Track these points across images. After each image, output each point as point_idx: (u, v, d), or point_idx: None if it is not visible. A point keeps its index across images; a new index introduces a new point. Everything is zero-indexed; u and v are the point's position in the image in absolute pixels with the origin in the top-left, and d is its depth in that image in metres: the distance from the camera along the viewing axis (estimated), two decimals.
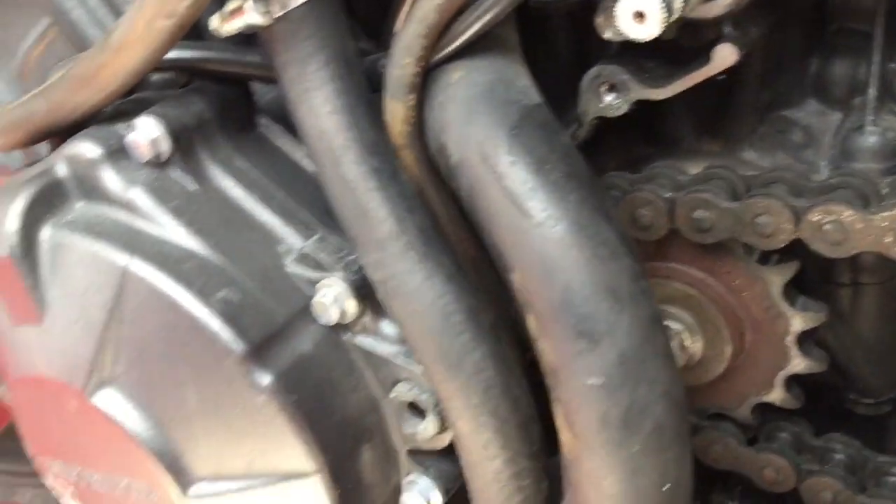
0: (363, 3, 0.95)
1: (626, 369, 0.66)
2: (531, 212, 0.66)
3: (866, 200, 0.74)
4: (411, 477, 0.84)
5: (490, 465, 0.74)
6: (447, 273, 0.71)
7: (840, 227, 0.73)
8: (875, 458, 0.90)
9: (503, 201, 0.67)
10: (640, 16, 0.64)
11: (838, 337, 0.91)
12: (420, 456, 0.83)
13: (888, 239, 0.71)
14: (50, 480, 0.93)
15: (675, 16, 0.65)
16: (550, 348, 0.67)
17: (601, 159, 0.94)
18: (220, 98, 0.83)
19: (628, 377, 0.66)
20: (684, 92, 0.79)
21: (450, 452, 0.85)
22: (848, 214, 0.72)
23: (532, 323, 0.68)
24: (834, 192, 0.75)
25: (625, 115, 0.83)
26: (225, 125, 0.83)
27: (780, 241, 0.76)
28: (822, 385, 0.98)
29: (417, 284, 0.71)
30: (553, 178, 0.66)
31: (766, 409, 0.92)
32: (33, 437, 0.90)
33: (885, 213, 0.71)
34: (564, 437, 0.70)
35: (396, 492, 0.86)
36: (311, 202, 0.82)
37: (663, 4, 0.63)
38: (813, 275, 0.88)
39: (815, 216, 0.74)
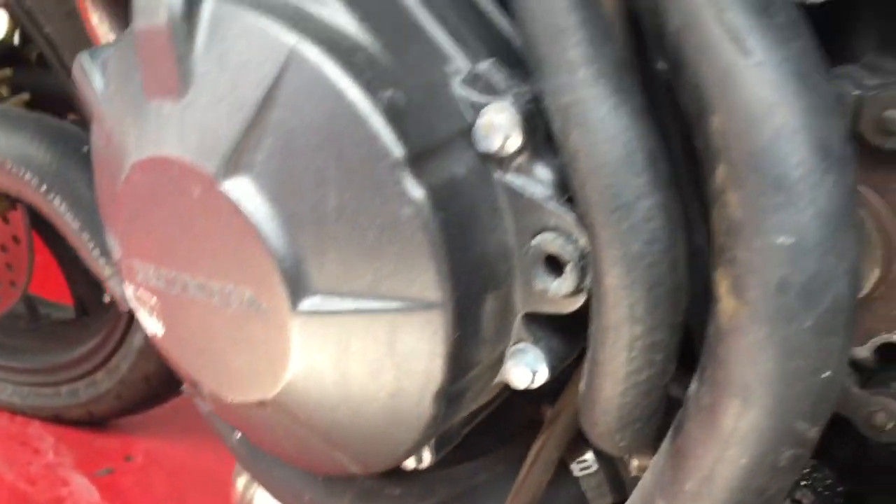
0: None
1: (821, 234, 0.61)
2: (751, 49, 0.62)
3: None
4: (521, 346, 0.80)
5: (630, 330, 0.69)
6: (636, 109, 0.67)
7: None
8: None
9: (720, 36, 0.62)
10: None
11: None
12: (535, 325, 0.79)
13: None
14: (130, 291, 0.88)
15: None
16: (739, 200, 0.63)
17: None
18: None
19: (821, 243, 0.61)
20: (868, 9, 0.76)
21: (564, 330, 0.81)
22: None
23: (721, 174, 0.64)
24: None
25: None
26: None
27: None
28: None
29: (604, 114, 0.66)
30: (777, 22, 0.62)
31: (887, 355, 0.88)
32: (128, 236, 0.85)
33: None
34: (728, 305, 0.65)
35: (498, 363, 0.81)
36: (483, 37, 0.78)
37: None
38: None
39: None
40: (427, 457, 0.95)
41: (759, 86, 0.62)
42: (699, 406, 0.69)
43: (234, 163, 0.72)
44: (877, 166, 0.80)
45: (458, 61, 0.75)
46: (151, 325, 0.87)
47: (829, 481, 1.03)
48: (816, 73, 0.62)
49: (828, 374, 0.64)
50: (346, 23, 0.71)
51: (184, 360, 0.88)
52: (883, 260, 0.82)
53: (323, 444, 0.84)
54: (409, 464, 0.95)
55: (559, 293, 0.74)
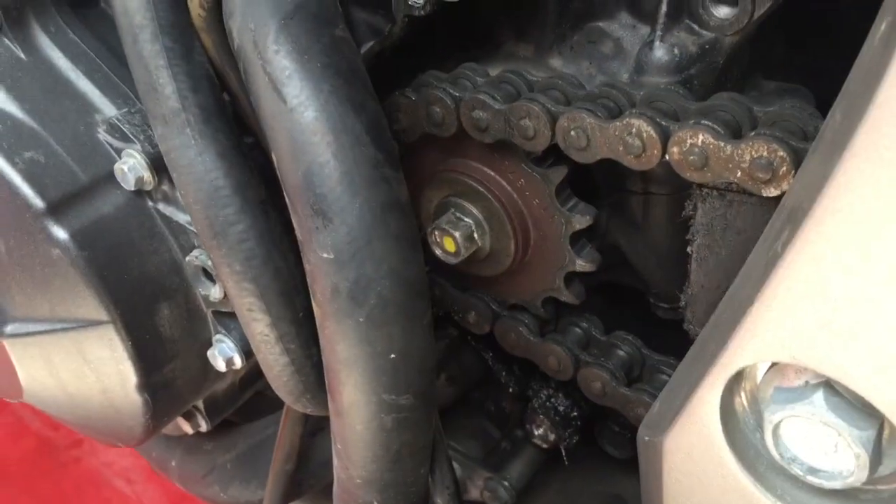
0: None
1: (354, 247, 0.73)
2: (286, 97, 0.72)
3: (615, 110, 0.79)
4: (218, 336, 0.93)
5: (256, 327, 0.82)
6: (220, 150, 0.78)
7: (583, 134, 0.78)
8: (652, 357, 0.97)
9: (266, 86, 0.73)
10: None
11: (631, 243, 0.97)
12: (225, 318, 0.92)
13: (620, 147, 0.76)
14: None
15: None
16: (296, 223, 0.75)
17: (441, 56, 0.99)
18: None
19: (355, 255, 0.73)
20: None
21: None
22: (590, 122, 0.77)
23: (287, 200, 0.76)
24: (589, 102, 0.80)
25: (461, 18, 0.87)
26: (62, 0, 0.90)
27: (541, 143, 0.82)
28: (628, 287, 1.04)
29: (191, 158, 0.78)
30: (310, 68, 0.72)
31: (560, 304, 0.99)
32: None
33: (617, 123, 0.76)
34: (314, 304, 0.78)
35: (207, 346, 0.95)
36: None
37: None
38: (607, 181, 0.93)
39: (564, 122, 0.79)
40: (203, 423, 1.10)
41: (292, 129, 0.72)
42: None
43: None
44: (492, 153, 0.90)
45: (106, 109, 0.86)
46: None
47: (563, 407, 1.15)
48: (344, 111, 0.72)
49: (393, 356, 0.77)
50: None
51: None
52: (516, 232, 0.92)
53: (80, 429, 1.00)
54: (188, 429, 1.11)
55: (216, 297, 0.87)
